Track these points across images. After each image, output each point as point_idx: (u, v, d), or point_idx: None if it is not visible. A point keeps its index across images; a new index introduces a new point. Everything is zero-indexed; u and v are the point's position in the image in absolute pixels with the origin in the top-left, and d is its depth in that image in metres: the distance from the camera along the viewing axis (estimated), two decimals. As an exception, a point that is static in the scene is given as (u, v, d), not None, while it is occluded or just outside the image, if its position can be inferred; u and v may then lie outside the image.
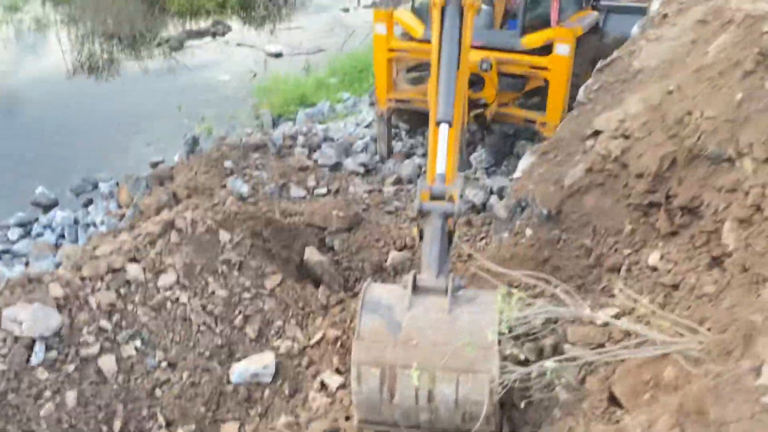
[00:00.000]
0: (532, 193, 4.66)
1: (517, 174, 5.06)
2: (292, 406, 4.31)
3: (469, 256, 5.64)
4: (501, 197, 6.65)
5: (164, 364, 4.42)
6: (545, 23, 7.25)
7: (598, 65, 5.48)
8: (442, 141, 4.26)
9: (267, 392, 4.42)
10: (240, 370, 4.46)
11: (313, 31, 13.93)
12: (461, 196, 3.87)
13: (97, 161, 8.61)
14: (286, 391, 4.40)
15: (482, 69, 7.09)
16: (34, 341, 4.16)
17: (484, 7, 7.53)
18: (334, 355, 4.48)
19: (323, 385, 4.26)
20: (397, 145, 8.26)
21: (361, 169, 7.60)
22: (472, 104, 7.34)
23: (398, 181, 7.41)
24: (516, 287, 3.62)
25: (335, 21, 14.51)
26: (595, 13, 8.18)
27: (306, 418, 4.08)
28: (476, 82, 7.22)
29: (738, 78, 3.68)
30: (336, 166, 7.66)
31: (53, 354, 4.20)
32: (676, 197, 3.85)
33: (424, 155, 7.90)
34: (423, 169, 7.59)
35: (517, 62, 7.22)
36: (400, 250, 5.81)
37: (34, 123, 9.67)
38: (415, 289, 3.57)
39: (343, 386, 4.24)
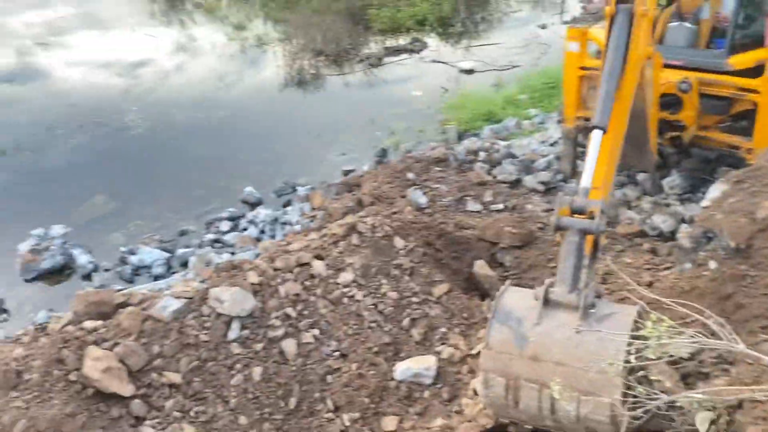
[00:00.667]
0: (720, 224, 4.37)
1: (705, 202, 4.76)
2: (449, 410, 4.48)
3: (651, 284, 5.41)
4: (694, 226, 6.24)
5: (337, 353, 4.82)
6: (758, 42, 6.66)
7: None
8: (593, 148, 4.17)
9: (427, 393, 4.63)
10: (403, 369, 4.72)
11: (508, 47, 13.98)
12: (603, 212, 3.73)
13: (298, 167, 9.51)
14: (444, 395, 4.58)
15: (681, 90, 6.72)
16: (231, 319, 4.78)
17: (688, 25, 7.16)
18: (493, 366, 4.55)
19: (476, 393, 4.37)
20: (581, 165, 8.07)
21: (541, 188, 7.54)
22: (669, 126, 6.99)
23: (578, 203, 7.23)
24: (691, 321, 3.45)
25: (531, 37, 14.44)
26: (823, 30, 7.32)
27: (459, 423, 4.22)
28: (674, 103, 6.87)
29: None
30: (515, 183, 7.68)
31: (246, 332, 4.79)
32: None
33: (609, 177, 7.64)
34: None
35: (723, 83, 6.73)
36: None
37: (249, 129, 10.90)
38: (547, 302, 3.55)
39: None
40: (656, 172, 7.48)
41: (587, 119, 7.58)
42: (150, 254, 7.43)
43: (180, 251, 7.54)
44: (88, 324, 4.60)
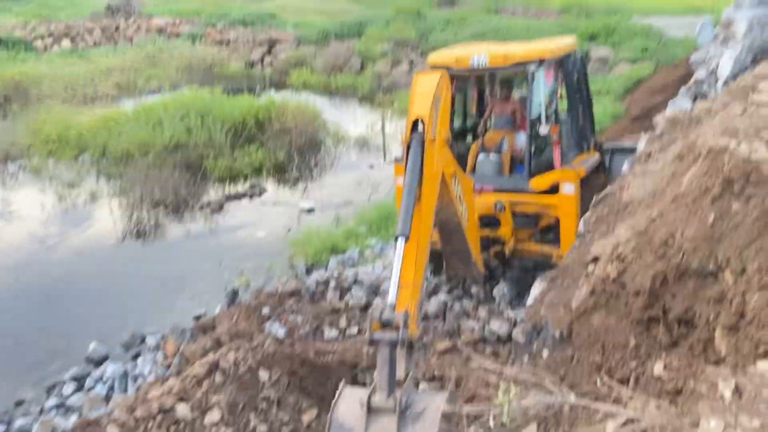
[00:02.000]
0: (545, 317, 5.07)
1: (530, 300, 5.48)
2: None
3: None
4: (524, 328, 6.99)
5: (210, 498, 4.68)
6: (550, 166, 7.98)
7: (594, 200, 6.07)
8: (397, 257, 4.58)
9: None
10: (281, 502, 4.68)
11: (342, 187, 15.01)
12: (406, 323, 4.15)
13: (144, 318, 9.25)
14: None
15: (497, 210, 7.77)
16: (92, 479, 4.51)
17: (492, 156, 8.40)
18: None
19: None
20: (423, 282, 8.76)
21: (390, 309, 8.04)
22: (492, 242, 7.95)
23: (425, 317, 7.81)
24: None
25: (362, 177, 15.63)
26: (598, 155, 8.92)
27: None
28: (493, 222, 7.88)
29: (709, 202, 4.20)
30: (366, 307, 8.13)
31: (109, 491, 4.52)
32: (672, 311, 4.23)
33: (448, 292, 8.38)
34: (448, 305, 8.03)
35: (529, 202, 7.89)
36: (430, 381, 6.12)
37: (87, 286, 10.47)
38: (370, 409, 3.92)
39: None
40: (486, 284, 8.36)
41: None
42: (-19, 431, 6.72)
43: (18, 422, 6.89)
44: None
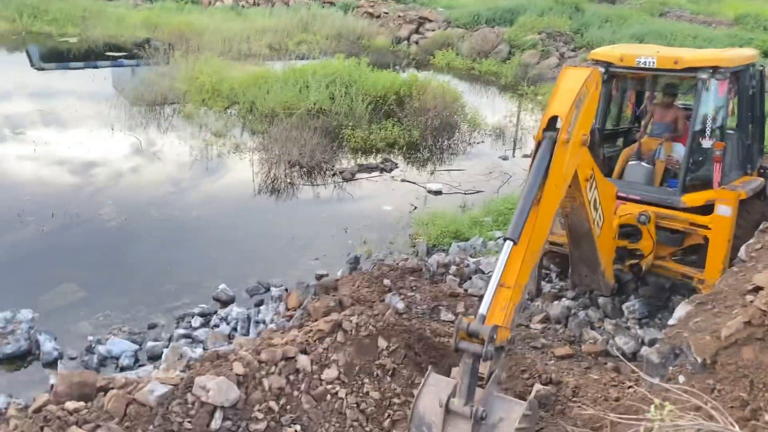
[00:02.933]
0: (687, 341, 4.72)
1: (672, 321, 5.14)
2: None
3: (617, 399, 5.69)
4: (652, 349, 6.59)
5: (318, 451, 4.82)
6: (706, 184, 7.42)
7: (762, 226, 5.56)
8: (500, 263, 4.54)
9: (406, 496, 4.63)
10: (384, 470, 4.74)
11: (472, 173, 14.82)
12: (491, 340, 4.14)
13: (271, 268, 9.68)
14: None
15: (640, 221, 7.34)
16: (215, 409, 4.77)
17: (644, 164, 7.93)
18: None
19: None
20: (547, 286, 8.50)
21: (510, 304, 7.87)
22: (629, 254, 7.53)
23: (546, 320, 7.59)
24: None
25: (494, 166, 15.37)
26: (761, 179, 8.19)
27: None
28: (633, 233, 7.46)
29: None
30: (485, 298, 8.00)
31: (228, 423, 4.77)
32: (843, 360, 3.79)
33: (573, 298, 8.06)
34: (572, 311, 7.73)
35: (677, 219, 7.39)
36: (545, 384, 5.93)
37: (223, 230, 11.09)
38: (449, 411, 4.08)
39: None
40: (615, 297, 7.95)
41: (552, 243, 8.10)
42: (119, 345, 7.32)
43: (149, 344, 7.46)
44: (70, 405, 4.53)
